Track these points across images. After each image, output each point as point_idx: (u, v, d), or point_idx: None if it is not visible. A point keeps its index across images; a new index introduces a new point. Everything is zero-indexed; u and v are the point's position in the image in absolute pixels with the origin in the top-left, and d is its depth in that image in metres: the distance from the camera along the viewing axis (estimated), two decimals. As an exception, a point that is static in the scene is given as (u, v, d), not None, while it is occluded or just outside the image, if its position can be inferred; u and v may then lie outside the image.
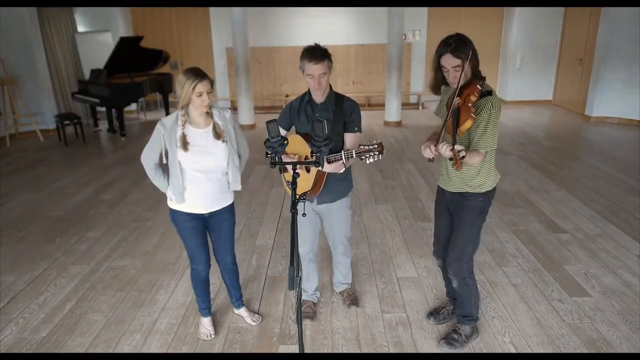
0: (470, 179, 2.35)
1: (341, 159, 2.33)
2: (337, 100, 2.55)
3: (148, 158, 2.45)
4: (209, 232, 2.61)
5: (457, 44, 2.14)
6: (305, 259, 2.83)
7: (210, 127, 2.39)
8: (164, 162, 2.40)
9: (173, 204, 2.47)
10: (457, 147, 2.05)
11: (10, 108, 7.84)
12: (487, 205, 2.43)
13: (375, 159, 2.22)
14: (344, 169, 2.44)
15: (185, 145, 2.31)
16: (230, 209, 2.60)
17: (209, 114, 2.40)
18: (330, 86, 2.55)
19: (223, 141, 2.40)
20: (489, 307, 2.98)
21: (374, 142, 2.23)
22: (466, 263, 2.48)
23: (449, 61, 2.17)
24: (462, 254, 2.46)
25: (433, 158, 2.20)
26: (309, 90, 2.56)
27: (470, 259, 2.50)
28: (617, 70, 8.05)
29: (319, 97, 2.53)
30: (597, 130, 7.91)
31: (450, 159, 2.10)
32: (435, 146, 2.18)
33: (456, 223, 2.48)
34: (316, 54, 2.39)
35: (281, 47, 10.32)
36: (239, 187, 2.53)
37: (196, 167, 2.37)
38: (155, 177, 2.49)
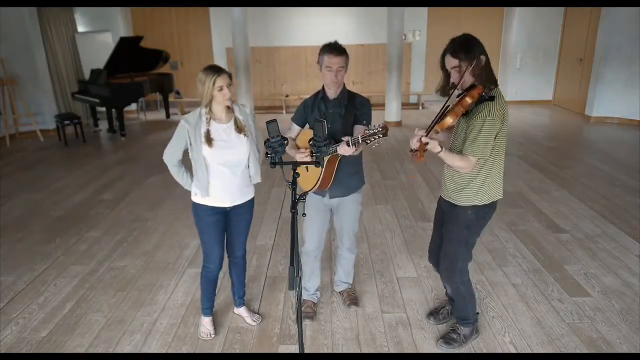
0: (461, 188, 2.29)
1: (349, 146, 2.31)
2: (349, 96, 2.61)
3: (171, 156, 2.50)
4: (226, 226, 2.65)
5: (460, 45, 2.10)
6: (311, 256, 2.84)
7: (232, 122, 2.46)
8: (190, 156, 2.45)
9: (198, 198, 2.52)
10: (425, 139, 2.02)
11: (11, 108, 7.84)
12: (478, 222, 2.34)
13: (381, 142, 2.24)
14: (354, 149, 2.37)
15: (209, 141, 2.38)
16: (251, 203, 2.66)
17: (231, 110, 2.46)
18: (344, 84, 2.61)
19: (245, 135, 2.46)
20: (489, 307, 2.98)
21: (379, 125, 2.24)
22: (458, 273, 2.45)
23: (448, 62, 2.15)
24: (451, 266, 2.44)
25: (413, 149, 2.16)
26: (323, 87, 2.62)
27: (462, 270, 2.45)
28: (617, 70, 8.05)
29: (332, 93, 2.59)
30: (597, 130, 7.91)
31: (415, 150, 2.04)
32: (419, 138, 2.13)
33: (445, 233, 2.45)
34: (337, 47, 2.48)
35: (281, 47, 10.33)
36: (259, 179, 2.61)
37: (221, 161, 2.43)
38: (178, 175, 2.55)
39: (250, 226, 2.74)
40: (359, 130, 2.55)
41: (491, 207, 2.34)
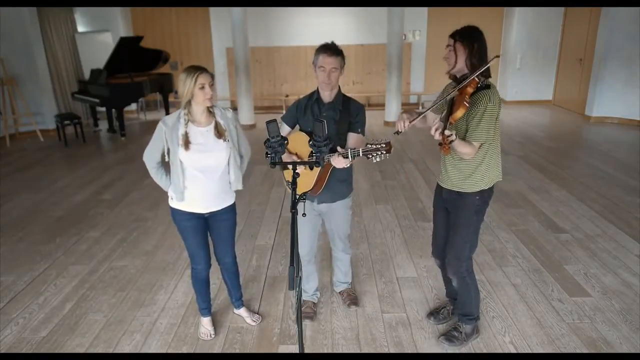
0: (467, 176, 2.34)
1: (347, 158, 2.32)
2: (344, 101, 2.58)
3: (150, 157, 2.45)
4: (209, 232, 2.62)
5: (462, 28, 2.23)
6: (304, 260, 2.83)
7: (212, 125, 2.40)
8: (167, 159, 2.41)
9: (173, 202, 2.48)
10: (447, 131, 2.07)
11: (11, 108, 7.84)
12: (484, 205, 2.42)
13: (382, 158, 2.23)
14: (349, 161, 2.42)
15: (187, 143, 2.32)
16: (231, 209, 2.60)
17: (211, 113, 2.41)
18: (339, 87, 2.58)
19: (224, 140, 2.41)
20: (489, 307, 2.98)
21: (382, 141, 2.23)
22: (464, 262, 2.48)
23: (448, 40, 2.26)
24: (460, 254, 2.46)
25: (400, 132, 2.27)
26: (317, 89, 2.58)
27: (468, 258, 2.50)
28: (617, 70, 8.05)
29: (327, 96, 2.55)
30: (597, 130, 7.91)
31: (440, 143, 2.11)
32: (410, 122, 2.27)
33: (452, 222, 2.48)
34: (332, 48, 2.45)
35: (281, 47, 10.33)
36: (240, 187, 2.55)
37: (196, 165, 2.38)
38: (157, 176, 2.50)
39: (236, 231, 2.70)
40: (353, 138, 2.54)
41: (493, 189, 2.42)
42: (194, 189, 2.42)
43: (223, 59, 10.41)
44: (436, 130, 2.09)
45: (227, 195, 2.54)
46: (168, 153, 2.38)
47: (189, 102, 2.32)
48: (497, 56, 2.27)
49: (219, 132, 2.39)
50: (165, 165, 2.48)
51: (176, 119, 2.36)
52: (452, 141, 2.08)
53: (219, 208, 2.53)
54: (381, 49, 9.98)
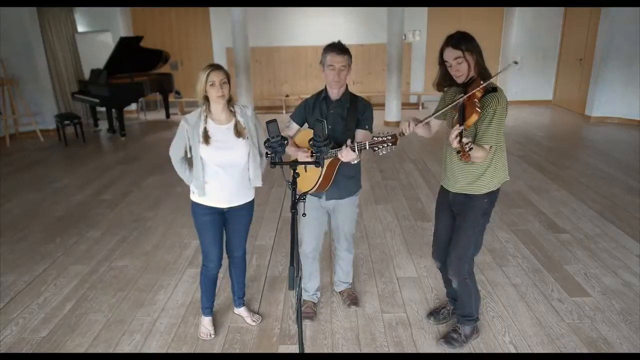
0: (475, 179, 2.33)
1: (354, 151, 2.33)
2: (352, 98, 2.60)
3: (174, 152, 2.53)
4: (225, 226, 2.65)
5: (458, 38, 2.20)
6: (310, 257, 2.84)
7: (232, 123, 2.46)
8: (189, 156, 2.49)
9: (195, 196, 2.54)
10: (465, 139, 2.05)
11: (11, 108, 7.84)
12: (491, 206, 2.43)
13: (388, 150, 2.24)
14: (358, 159, 2.43)
15: (207, 139, 2.39)
16: (250, 205, 2.65)
17: (232, 112, 2.46)
18: (347, 85, 2.60)
19: (244, 138, 2.46)
20: (489, 307, 2.98)
21: (388, 134, 2.24)
22: (467, 264, 2.48)
23: (450, 54, 2.22)
24: (463, 255, 2.46)
25: (404, 134, 2.26)
26: (325, 87, 2.60)
27: (471, 260, 2.50)
28: (617, 70, 8.05)
29: (335, 93, 2.57)
30: (597, 130, 7.91)
31: (458, 151, 2.09)
32: (415, 125, 2.26)
33: (458, 223, 2.47)
34: (339, 46, 2.49)
35: (281, 47, 10.33)
36: (259, 184, 2.60)
37: (216, 161, 2.43)
38: (181, 170, 2.57)
39: (250, 227, 2.74)
40: (360, 134, 2.55)
41: (498, 191, 2.42)
42: (214, 184, 2.47)
43: (223, 59, 10.40)
44: (454, 138, 2.07)
45: (247, 190, 2.60)
46: (190, 150, 2.44)
47: (207, 100, 2.38)
48: (516, 62, 2.28)
49: (239, 131, 2.45)
50: (188, 160, 2.55)
51: (198, 117, 2.43)
52: (471, 148, 2.05)
53: (240, 203, 2.58)
54: (381, 49, 9.98)
